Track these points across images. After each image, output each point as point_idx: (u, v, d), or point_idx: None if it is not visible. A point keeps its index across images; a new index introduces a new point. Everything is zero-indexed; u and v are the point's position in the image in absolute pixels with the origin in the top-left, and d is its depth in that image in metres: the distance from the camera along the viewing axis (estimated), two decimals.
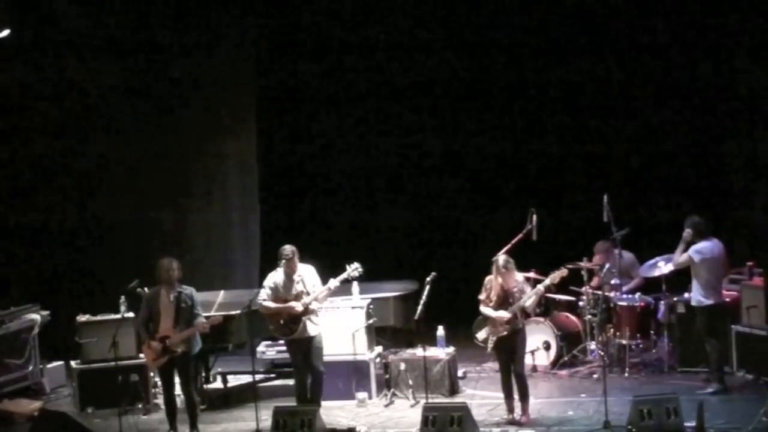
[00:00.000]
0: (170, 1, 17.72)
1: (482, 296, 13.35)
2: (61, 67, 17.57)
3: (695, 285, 14.13)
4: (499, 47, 18.09)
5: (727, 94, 17.26)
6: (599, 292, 15.31)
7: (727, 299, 14.62)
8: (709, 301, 14.10)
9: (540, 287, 13.29)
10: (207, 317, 13.59)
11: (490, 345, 13.35)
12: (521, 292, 13.16)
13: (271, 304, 13.63)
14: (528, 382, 13.65)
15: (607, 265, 15.44)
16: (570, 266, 15.43)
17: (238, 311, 14.15)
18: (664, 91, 17.67)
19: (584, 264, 15.36)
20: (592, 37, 17.68)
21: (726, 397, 13.81)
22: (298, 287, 13.62)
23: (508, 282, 13.18)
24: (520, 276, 13.41)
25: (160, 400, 14.89)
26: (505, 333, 13.20)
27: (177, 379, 13.66)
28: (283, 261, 13.55)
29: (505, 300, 13.19)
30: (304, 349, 13.75)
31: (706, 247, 14.07)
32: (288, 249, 13.56)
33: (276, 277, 13.70)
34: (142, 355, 14.68)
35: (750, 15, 16.71)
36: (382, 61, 18.46)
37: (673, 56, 17.52)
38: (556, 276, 13.31)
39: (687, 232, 14.03)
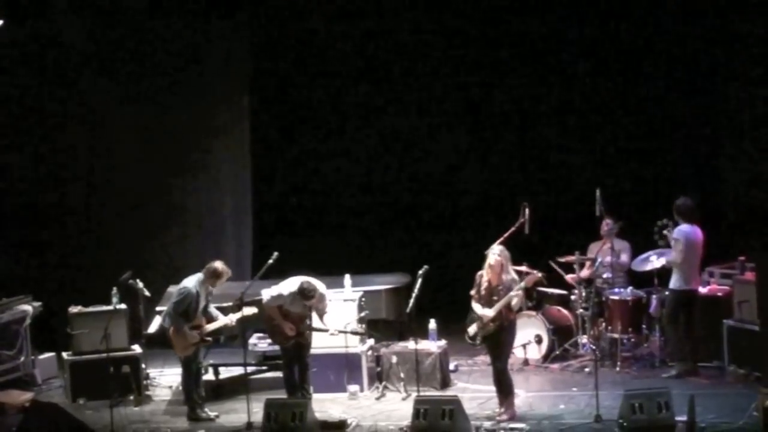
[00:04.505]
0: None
1: (473, 291, 13.36)
2: (59, 64, 17.65)
3: (674, 269, 14.52)
4: (496, 39, 18.12)
5: (724, 90, 17.41)
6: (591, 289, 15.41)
7: (702, 289, 14.85)
8: (683, 287, 14.45)
9: (515, 292, 13.09)
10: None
11: (479, 340, 13.37)
12: (507, 290, 13.10)
13: (275, 307, 13.80)
14: (515, 377, 13.73)
15: (599, 260, 15.52)
16: (561, 260, 15.68)
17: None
18: (660, 84, 17.74)
19: (576, 258, 15.50)
20: (588, 30, 17.79)
21: (717, 391, 13.83)
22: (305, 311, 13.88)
23: (498, 274, 13.13)
24: (512, 272, 13.36)
25: (151, 392, 15.05)
26: (492, 330, 13.19)
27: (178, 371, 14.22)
28: (306, 297, 13.66)
29: (490, 296, 13.17)
30: (299, 348, 13.94)
31: (689, 229, 14.43)
32: (310, 288, 13.64)
33: (287, 291, 13.77)
34: (134, 347, 14.90)
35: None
36: (375, 59, 18.47)
37: (669, 51, 17.61)
38: (530, 279, 13.37)
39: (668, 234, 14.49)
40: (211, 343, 14.10)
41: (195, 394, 13.94)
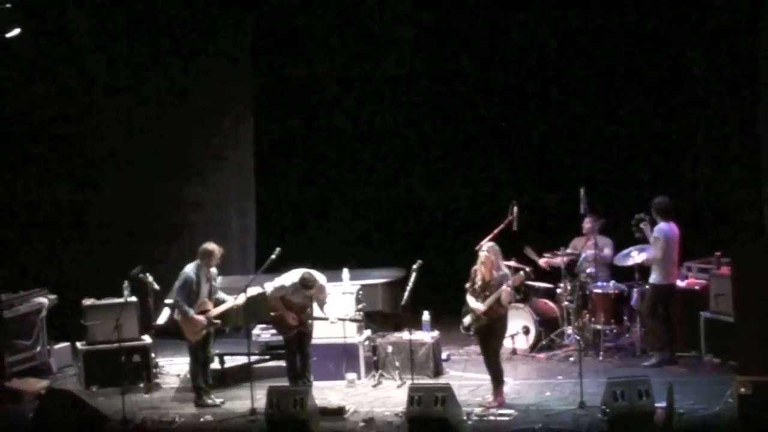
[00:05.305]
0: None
1: (468, 285, 13.58)
2: (66, 61, 17.78)
3: (654, 265, 14.80)
4: (487, 36, 18.36)
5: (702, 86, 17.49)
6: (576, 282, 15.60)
7: (680, 282, 15.15)
8: (663, 282, 14.74)
9: (503, 288, 13.29)
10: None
11: (472, 330, 13.61)
12: (498, 285, 13.27)
13: (278, 298, 14.19)
14: (504, 365, 13.83)
15: (583, 255, 15.76)
16: (547, 255, 15.87)
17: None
18: (644, 83, 17.84)
19: (560, 253, 15.72)
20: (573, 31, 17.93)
21: (695, 379, 14.05)
22: (308, 302, 14.26)
23: (489, 269, 13.36)
24: (504, 267, 13.59)
25: (160, 380, 15.30)
26: (484, 323, 13.49)
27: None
28: (307, 287, 14.04)
29: (482, 290, 13.40)
30: (301, 338, 14.32)
31: (667, 227, 14.71)
32: (311, 279, 14.03)
33: (289, 283, 14.14)
34: (144, 337, 15.15)
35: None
36: (373, 56, 18.69)
37: (655, 47, 17.68)
38: (516, 279, 13.49)
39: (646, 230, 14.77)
40: (219, 326, 14.23)
41: (202, 382, 14.17)
